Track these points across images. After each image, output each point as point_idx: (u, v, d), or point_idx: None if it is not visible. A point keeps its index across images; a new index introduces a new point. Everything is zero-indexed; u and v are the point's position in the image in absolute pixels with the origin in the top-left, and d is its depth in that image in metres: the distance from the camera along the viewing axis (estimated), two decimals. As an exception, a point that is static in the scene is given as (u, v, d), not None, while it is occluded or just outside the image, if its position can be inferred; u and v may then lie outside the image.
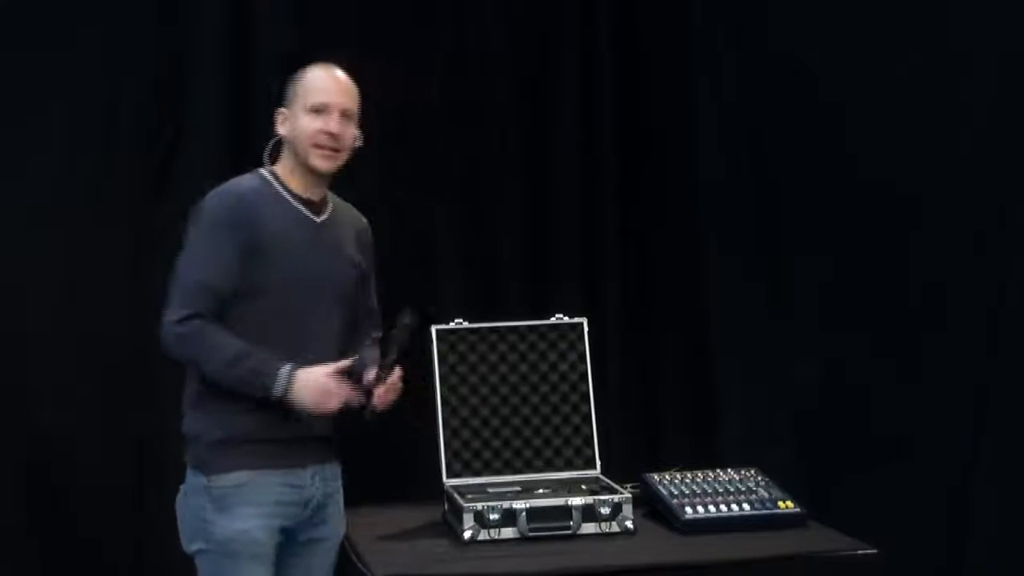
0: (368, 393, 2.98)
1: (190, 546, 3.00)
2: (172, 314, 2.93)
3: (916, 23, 3.89)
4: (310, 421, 2.97)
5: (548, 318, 3.63)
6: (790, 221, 4.27)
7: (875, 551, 3.06)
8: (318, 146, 3.02)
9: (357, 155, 4.11)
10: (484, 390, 3.57)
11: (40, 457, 3.87)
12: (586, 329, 3.61)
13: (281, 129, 3.08)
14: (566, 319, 3.63)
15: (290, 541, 3.04)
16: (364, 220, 3.26)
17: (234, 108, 4.00)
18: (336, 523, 3.14)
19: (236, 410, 2.94)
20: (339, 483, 3.15)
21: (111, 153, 3.96)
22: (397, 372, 3.02)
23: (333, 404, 2.94)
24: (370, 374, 3.00)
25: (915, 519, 3.82)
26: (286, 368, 2.90)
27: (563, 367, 3.60)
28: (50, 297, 3.88)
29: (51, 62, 3.87)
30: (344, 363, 2.96)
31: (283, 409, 2.92)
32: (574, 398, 3.58)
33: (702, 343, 4.45)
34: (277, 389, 2.89)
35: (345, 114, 3.05)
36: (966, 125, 3.79)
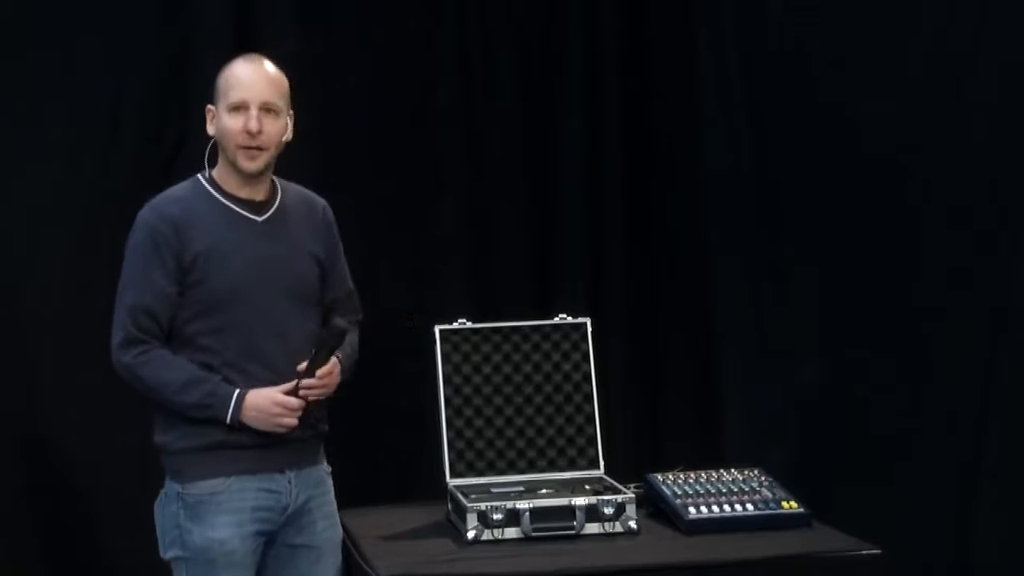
0: (296, 383, 2.90)
1: (166, 553, 2.96)
2: (113, 341, 2.90)
3: (920, 21, 3.89)
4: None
5: (552, 318, 3.63)
6: (794, 221, 4.26)
7: (879, 551, 3.06)
8: (240, 146, 2.90)
9: (356, 155, 4.13)
10: (487, 390, 3.56)
11: (40, 457, 3.87)
12: (590, 329, 3.61)
13: (210, 129, 2.98)
14: (570, 319, 3.62)
15: (271, 545, 2.99)
16: (319, 201, 3.12)
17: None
18: (323, 529, 3.05)
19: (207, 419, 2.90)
20: (325, 487, 3.08)
21: (114, 154, 3.96)
22: (330, 367, 2.93)
23: (285, 422, 2.88)
24: (301, 365, 2.90)
25: (919, 519, 3.82)
26: (233, 396, 2.85)
27: (567, 367, 3.59)
28: (50, 297, 3.88)
29: (54, 63, 3.88)
30: (288, 386, 2.88)
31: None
32: (577, 398, 3.58)
33: (706, 343, 4.45)
34: (229, 418, 2.86)
35: (266, 108, 2.90)
36: (971, 123, 3.78)
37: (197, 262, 2.88)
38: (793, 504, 3.30)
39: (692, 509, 3.25)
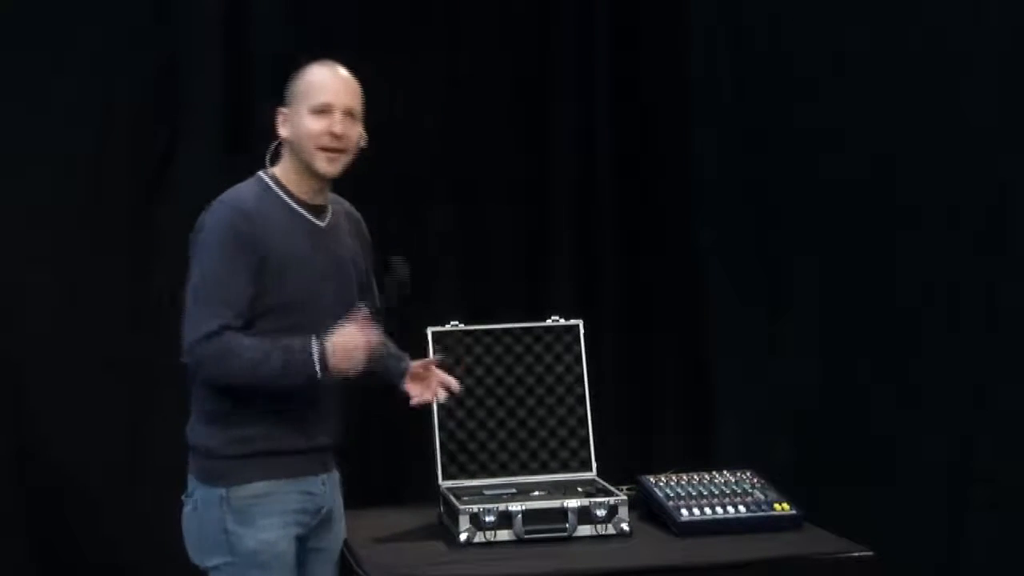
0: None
1: (207, 560, 2.91)
2: (193, 336, 2.82)
3: (915, 23, 3.89)
4: (319, 428, 2.93)
5: (544, 320, 3.63)
6: (787, 221, 4.27)
7: (871, 553, 3.07)
8: (322, 148, 2.88)
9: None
10: (480, 392, 3.56)
11: (39, 456, 3.87)
12: (582, 331, 3.61)
13: (283, 131, 2.94)
14: (562, 321, 3.63)
15: (301, 550, 2.99)
16: (356, 212, 3.15)
17: (231, 108, 4.00)
18: (338, 532, 3.09)
19: (253, 425, 2.87)
20: (339, 491, 3.10)
21: (108, 153, 3.97)
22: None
23: (362, 356, 2.82)
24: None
25: (911, 521, 3.82)
26: (315, 347, 2.80)
27: (559, 369, 3.59)
28: (49, 297, 3.88)
29: (48, 62, 3.88)
30: (354, 317, 2.84)
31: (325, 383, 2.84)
32: (570, 400, 3.58)
33: (698, 345, 4.46)
34: (317, 369, 2.80)
35: (349, 113, 2.91)
36: (965, 125, 3.78)
37: (271, 264, 2.86)
38: (785, 506, 3.31)
39: (684, 511, 3.26)
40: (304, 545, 2.99)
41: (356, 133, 2.95)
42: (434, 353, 3.48)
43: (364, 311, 2.85)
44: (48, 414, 3.88)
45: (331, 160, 2.91)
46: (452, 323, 3.58)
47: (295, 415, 2.91)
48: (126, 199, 3.97)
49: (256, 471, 2.88)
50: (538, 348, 3.61)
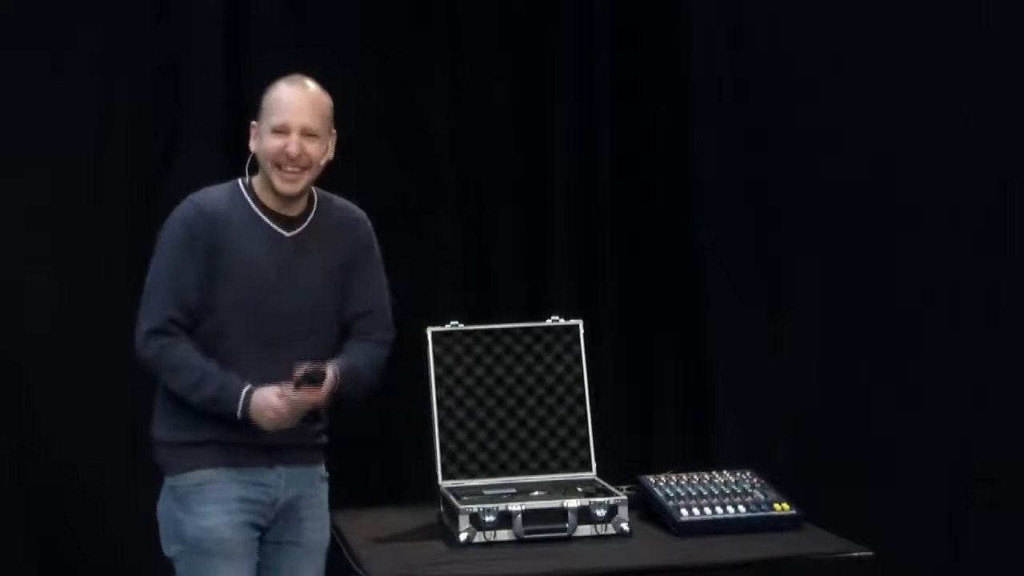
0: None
1: (168, 549, 3.00)
2: (139, 331, 2.96)
3: (915, 23, 3.89)
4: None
5: (544, 320, 3.63)
6: (787, 221, 4.27)
7: (871, 553, 3.06)
8: (278, 166, 2.94)
9: (352, 154, 4.12)
10: (480, 392, 3.56)
11: (38, 456, 3.87)
12: (582, 331, 3.61)
13: (252, 144, 3.01)
14: (562, 321, 3.62)
15: (262, 542, 3.01)
16: (358, 214, 3.15)
17: (230, 108, 4.00)
18: (313, 530, 3.08)
19: (198, 416, 2.93)
20: (318, 488, 3.10)
21: (108, 153, 3.97)
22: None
23: (285, 424, 2.89)
24: (298, 371, 2.88)
25: (911, 521, 3.82)
26: (243, 391, 2.87)
27: (559, 369, 3.59)
28: (49, 297, 3.88)
29: (48, 62, 3.88)
30: (287, 387, 2.86)
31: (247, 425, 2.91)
32: (570, 400, 3.58)
33: (698, 345, 4.46)
34: (238, 412, 2.88)
35: (308, 133, 2.94)
36: (965, 125, 3.78)
37: (222, 265, 2.93)
38: (785, 506, 3.31)
39: (684, 511, 3.26)
40: (266, 539, 3.01)
41: (316, 151, 2.97)
42: (433, 354, 3.48)
43: (303, 369, 2.85)
44: (48, 414, 3.88)
45: (286, 179, 2.95)
46: (452, 323, 3.58)
47: None
48: (126, 199, 3.97)
49: (197, 459, 2.95)
50: (538, 348, 3.60)
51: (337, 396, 2.96)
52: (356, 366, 3.03)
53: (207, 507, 2.92)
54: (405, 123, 4.21)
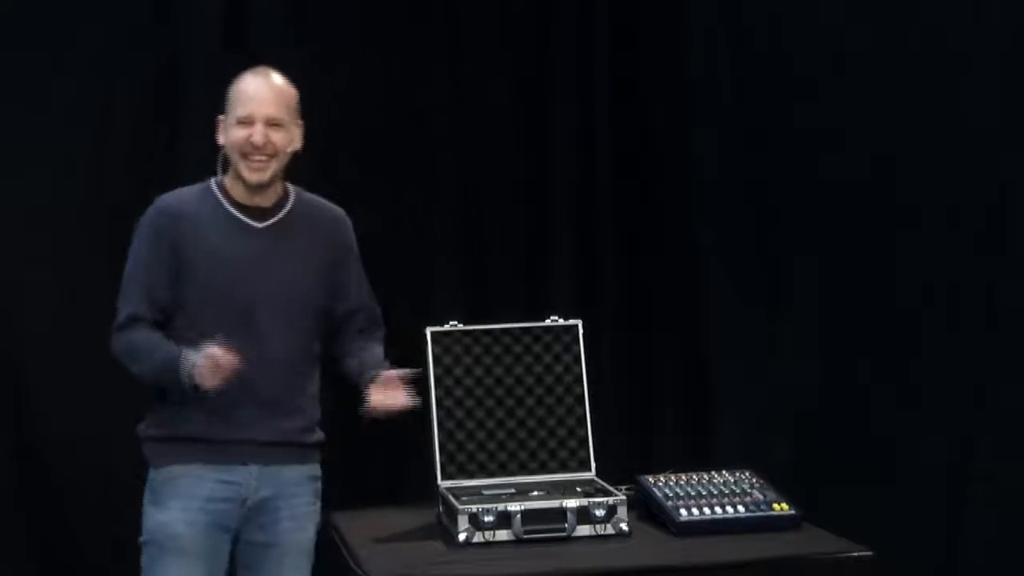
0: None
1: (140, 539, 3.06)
2: (112, 328, 3.01)
3: (915, 23, 3.89)
4: (255, 424, 2.98)
5: (543, 320, 3.63)
6: (787, 221, 4.27)
7: (870, 553, 3.06)
8: (244, 156, 2.99)
9: (351, 154, 4.13)
10: (479, 392, 3.56)
11: (39, 456, 3.87)
12: (581, 331, 3.61)
13: (220, 138, 3.07)
14: (561, 321, 3.62)
15: (236, 542, 3.04)
16: (337, 212, 3.18)
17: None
18: (289, 530, 3.07)
19: (177, 412, 2.98)
20: (299, 488, 3.09)
21: (108, 153, 3.97)
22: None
23: (218, 376, 2.84)
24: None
25: (911, 521, 3.82)
26: (180, 353, 2.87)
27: (558, 369, 3.59)
28: (49, 297, 3.88)
29: (48, 62, 3.88)
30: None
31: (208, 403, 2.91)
32: (569, 400, 3.58)
33: (698, 345, 4.45)
34: (185, 379, 2.86)
35: (272, 123, 2.99)
36: (965, 125, 3.78)
37: (188, 259, 2.98)
38: (784, 506, 3.31)
39: (683, 511, 3.25)
40: (241, 539, 3.04)
41: (282, 140, 3.01)
42: (432, 355, 3.49)
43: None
44: (48, 414, 3.88)
45: (253, 168, 3.00)
46: (451, 323, 3.58)
47: (224, 409, 2.95)
48: (126, 199, 3.96)
49: (173, 455, 3.00)
50: (537, 348, 3.60)
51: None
52: (366, 364, 3.08)
53: (170, 502, 2.98)
54: (405, 123, 4.20)
